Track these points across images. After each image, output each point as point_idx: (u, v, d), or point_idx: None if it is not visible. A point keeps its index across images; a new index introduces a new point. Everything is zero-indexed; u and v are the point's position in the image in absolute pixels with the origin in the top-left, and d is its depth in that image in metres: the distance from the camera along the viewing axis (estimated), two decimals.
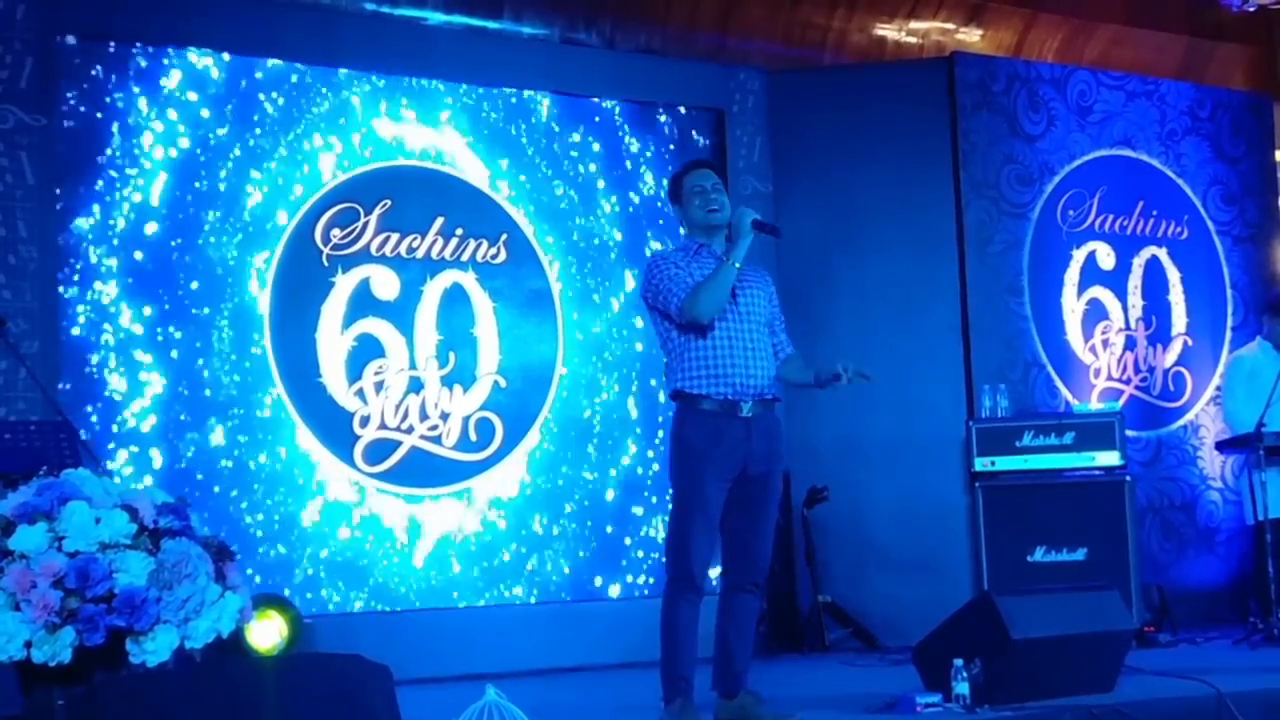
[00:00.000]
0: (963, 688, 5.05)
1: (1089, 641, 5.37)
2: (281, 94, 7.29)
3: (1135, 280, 8.95)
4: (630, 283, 8.00)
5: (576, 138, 8.02)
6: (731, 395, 5.02)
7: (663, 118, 8.26)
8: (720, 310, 5.02)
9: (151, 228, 6.93)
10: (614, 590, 7.81)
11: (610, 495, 7.88)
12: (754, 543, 5.10)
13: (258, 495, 7.04)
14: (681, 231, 5.36)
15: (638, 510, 7.94)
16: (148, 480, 6.64)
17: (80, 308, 6.75)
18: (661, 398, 7.74)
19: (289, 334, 7.17)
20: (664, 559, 5.18)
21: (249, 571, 6.71)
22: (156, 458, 6.82)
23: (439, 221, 7.58)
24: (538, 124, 7.92)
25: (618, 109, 8.15)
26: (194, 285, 7.00)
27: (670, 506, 5.13)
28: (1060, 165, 8.72)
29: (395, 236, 7.46)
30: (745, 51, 8.65)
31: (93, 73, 6.88)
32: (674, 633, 5.00)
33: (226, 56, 7.16)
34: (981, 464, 7.55)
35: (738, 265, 5.03)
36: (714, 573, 5.67)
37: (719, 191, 5.20)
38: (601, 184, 8.03)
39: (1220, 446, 8.19)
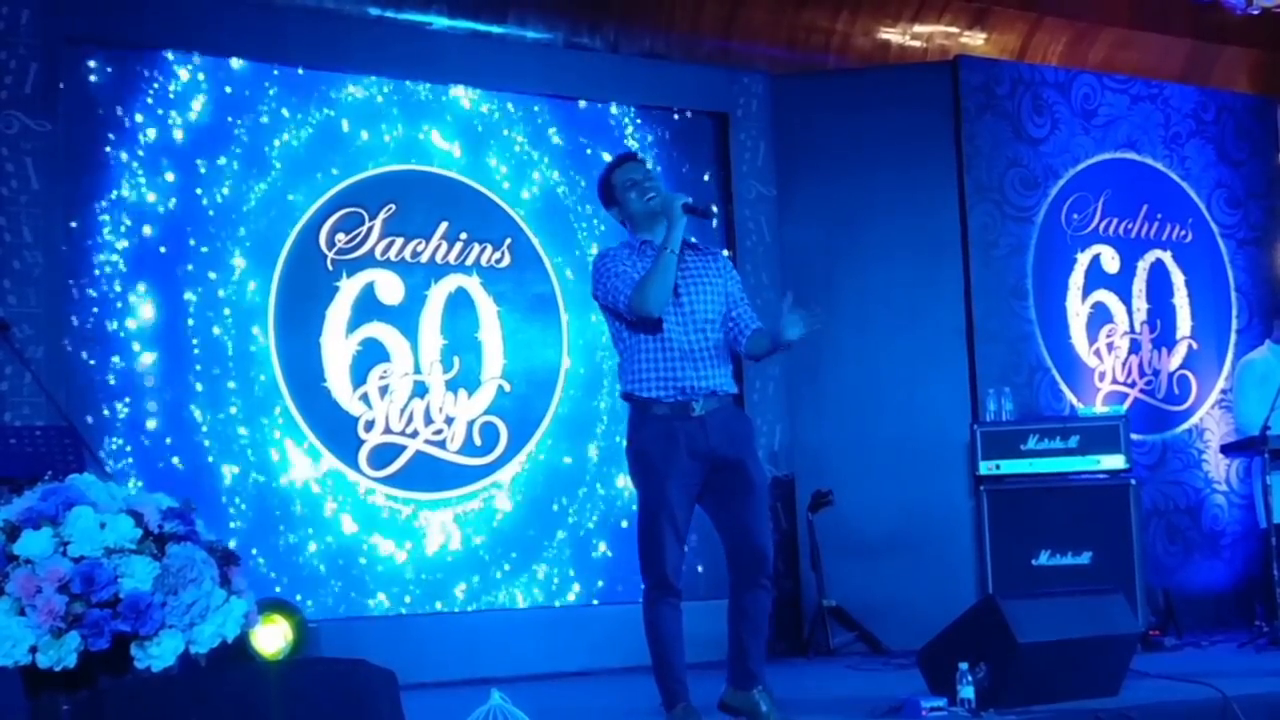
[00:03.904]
0: (968, 691, 5.05)
1: (1094, 645, 5.37)
2: (285, 99, 7.30)
3: (1140, 284, 8.94)
4: None
5: (580, 142, 8.02)
6: (681, 398, 4.97)
7: (667, 121, 8.26)
8: (667, 301, 4.95)
9: (155, 232, 6.94)
10: (619, 594, 7.80)
11: (615, 499, 7.87)
12: (750, 533, 4.99)
13: (262, 499, 7.04)
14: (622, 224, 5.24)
15: None
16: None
17: (84, 311, 6.76)
18: None
19: (293, 338, 7.18)
20: (639, 567, 5.09)
21: (255, 574, 6.72)
22: (160, 461, 6.83)
23: (443, 226, 7.59)
24: (542, 128, 7.93)
25: (622, 113, 8.15)
26: (198, 290, 7.01)
27: (637, 514, 5.04)
28: (1064, 169, 8.72)
29: (400, 241, 7.46)
30: (749, 55, 8.64)
31: (97, 78, 6.89)
32: (661, 638, 4.96)
33: (231, 61, 7.17)
34: (986, 467, 7.55)
35: (675, 252, 4.95)
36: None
37: (650, 179, 5.14)
38: None
39: (1225, 450, 8.19)
